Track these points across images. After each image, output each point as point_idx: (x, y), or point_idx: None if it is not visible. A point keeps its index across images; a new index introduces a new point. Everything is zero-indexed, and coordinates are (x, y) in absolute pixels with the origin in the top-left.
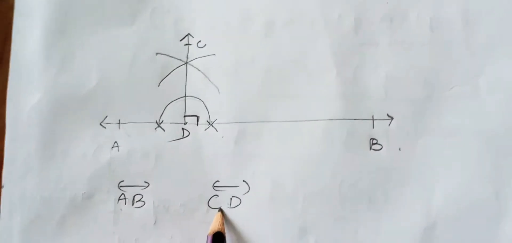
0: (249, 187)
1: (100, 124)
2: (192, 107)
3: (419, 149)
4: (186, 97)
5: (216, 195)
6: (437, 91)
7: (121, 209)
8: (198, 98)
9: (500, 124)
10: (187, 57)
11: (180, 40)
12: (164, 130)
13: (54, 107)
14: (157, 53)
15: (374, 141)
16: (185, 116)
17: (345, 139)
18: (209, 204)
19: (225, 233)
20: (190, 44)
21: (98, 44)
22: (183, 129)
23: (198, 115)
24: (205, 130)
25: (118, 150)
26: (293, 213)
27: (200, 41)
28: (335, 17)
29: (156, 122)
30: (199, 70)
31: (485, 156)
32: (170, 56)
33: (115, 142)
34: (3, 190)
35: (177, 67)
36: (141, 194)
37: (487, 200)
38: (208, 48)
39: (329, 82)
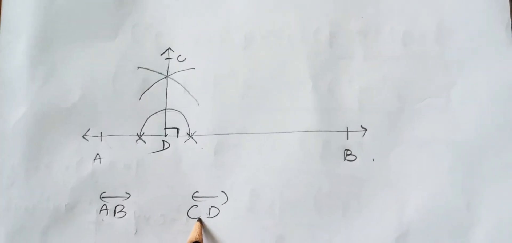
0: (227, 198)
1: (83, 136)
2: (172, 119)
3: (392, 159)
4: (167, 110)
5: (195, 205)
6: (410, 103)
7: (102, 220)
8: (178, 111)
9: (471, 135)
10: (167, 71)
11: (161, 54)
12: (145, 142)
13: (39, 121)
14: (138, 67)
15: (349, 152)
16: (165, 128)
17: (321, 150)
18: (189, 214)
19: (203, 242)
20: (171, 58)
21: (81, 59)
22: (163, 141)
23: (178, 128)
24: (185, 142)
25: (100, 162)
26: (271, 222)
27: (180, 55)
28: (311, 31)
29: (137, 135)
30: (179, 83)
31: (456, 166)
32: (151, 70)
33: (98, 154)
34: None
35: (158, 81)
36: (122, 205)
37: (458, 209)
38: (188, 62)
39: (305, 94)
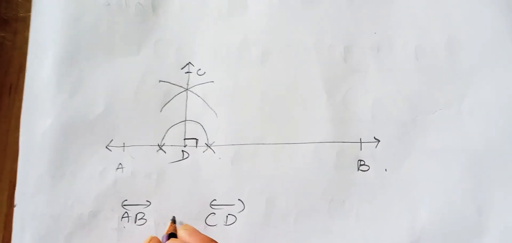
0: (244, 206)
1: (106, 147)
2: (192, 130)
3: (404, 169)
4: (186, 121)
5: (213, 213)
6: (422, 114)
7: (124, 227)
8: (198, 122)
9: (481, 144)
10: (187, 84)
11: (181, 69)
12: (165, 152)
13: (64, 131)
14: (160, 81)
15: (362, 162)
16: (185, 139)
17: (335, 160)
18: (207, 222)
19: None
20: (191, 72)
21: (105, 73)
22: (183, 151)
23: (197, 138)
24: (203, 152)
25: (123, 171)
26: (286, 229)
27: (200, 69)
28: (326, 46)
29: (158, 145)
30: (198, 96)
31: (467, 174)
32: (172, 83)
33: (120, 163)
34: (15, 208)
35: (178, 94)
36: (143, 212)
37: (469, 216)
38: (207, 75)
39: (320, 107)
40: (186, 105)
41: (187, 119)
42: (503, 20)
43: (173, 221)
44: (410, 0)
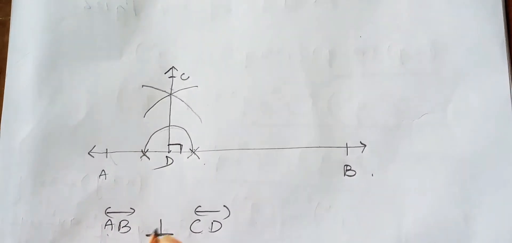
0: (229, 212)
1: (89, 153)
2: (176, 136)
3: (391, 174)
4: (170, 127)
5: (198, 219)
6: (408, 119)
7: (107, 234)
8: (182, 128)
9: (467, 149)
10: (171, 89)
11: (165, 73)
12: (149, 159)
13: (45, 138)
14: (143, 85)
15: (348, 167)
16: (169, 144)
17: (321, 166)
18: (191, 229)
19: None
20: (174, 77)
21: (87, 78)
22: (167, 157)
23: (181, 144)
24: (188, 157)
25: (105, 178)
26: (272, 236)
27: (183, 73)
28: (311, 51)
29: (142, 151)
30: (182, 101)
31: (453, 180)
32: (155, 88)
33: (103, 170)
34: None
35: (162, 99)
36: (127, 220)
37: (455, 223)
38: (191, 80)
39: (305, 112)
40: (170, 110)
41: (171, 124)
42: (489, 24)
43: (156, 233)
44: (395, 4)
